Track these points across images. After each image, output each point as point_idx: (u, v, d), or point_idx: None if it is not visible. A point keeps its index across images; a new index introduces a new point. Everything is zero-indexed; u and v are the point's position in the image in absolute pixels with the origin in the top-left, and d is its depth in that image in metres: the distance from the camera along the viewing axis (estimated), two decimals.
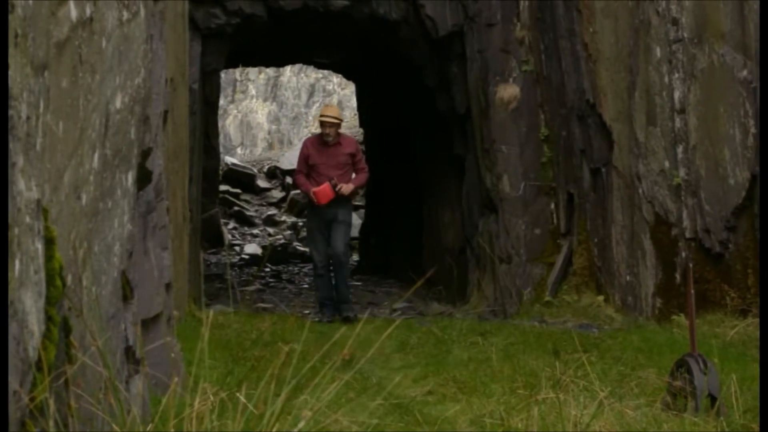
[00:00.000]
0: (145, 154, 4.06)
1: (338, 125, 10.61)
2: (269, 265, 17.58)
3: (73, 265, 2.82)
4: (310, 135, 10.79)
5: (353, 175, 10.62)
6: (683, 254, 9.02)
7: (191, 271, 9.65)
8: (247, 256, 19.12)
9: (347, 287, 10.73)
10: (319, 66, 20.31)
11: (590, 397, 4.53)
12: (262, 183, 26.19)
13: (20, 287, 2.27)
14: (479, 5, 11.47)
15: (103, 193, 3.18)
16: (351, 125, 28.79)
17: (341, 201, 10.40)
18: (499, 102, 11.32)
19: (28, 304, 2.33)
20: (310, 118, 34.52)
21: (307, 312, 11.58)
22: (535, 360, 6.90)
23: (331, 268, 10.67)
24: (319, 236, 10.56)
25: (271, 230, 23.05)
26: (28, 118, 2.34)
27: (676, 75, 9.04)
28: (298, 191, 25.62)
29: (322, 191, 10.31)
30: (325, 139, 10.46)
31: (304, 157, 10.57)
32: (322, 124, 10.60)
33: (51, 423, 2.42)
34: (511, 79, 11.32)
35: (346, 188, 10.37)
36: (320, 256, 10.57)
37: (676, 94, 9.04)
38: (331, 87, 34.24)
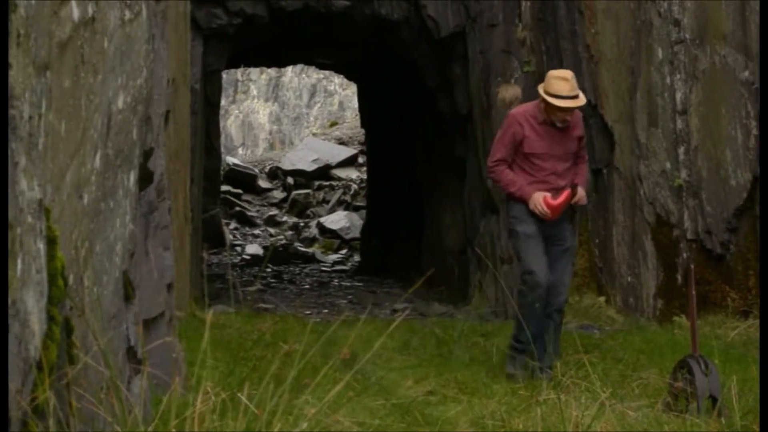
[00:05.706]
0: (147, 154, 4.06)
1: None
2: (270, 266, 17.58)
3: (74, 265, 2.82)
4: (524, 107, 7.15)
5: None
6: (684, 255, 9.01)
7: (192, 271, 9.65)
8: (248, 257, 19.14)
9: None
10: (321, 66, 20.32)
11: (591, 398, 4.53)
12: (263, 183, 26.19)
13: (22, 287, 2.28)
14: (481, 6, 11.47)
15: (105, 193, 3.18)
16: (352, 125, 28.78)
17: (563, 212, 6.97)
18: (501, 103, 11.29)
19: (30, 303, 2.33)
20: (312, 118, 34.50)
21: (308, 312, 11.57)
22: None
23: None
24: (539, 247, 6.82)
25: (272, 230, 23.06)
26: (30, 117, 2.34)
27: (678, 76, 9.04)
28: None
29: (563, 205, 6.81)
30: (557, 125, 6.89)
31: (514, 141, 6.90)
32: (555, 108, 6.80)
33: (52, 423, 2.42)
34: (512, 80, 11.31)
35: (583, 196, 6.98)
36: (544, 272, 6.74)
37: (678, 95, 9.04)
38: (332, 87, 34.23)
